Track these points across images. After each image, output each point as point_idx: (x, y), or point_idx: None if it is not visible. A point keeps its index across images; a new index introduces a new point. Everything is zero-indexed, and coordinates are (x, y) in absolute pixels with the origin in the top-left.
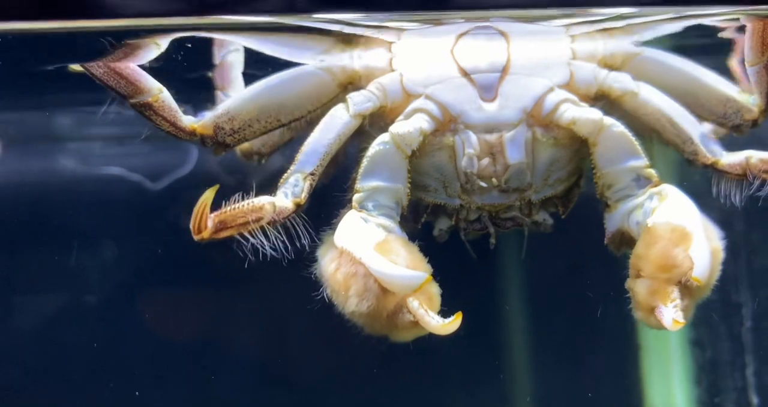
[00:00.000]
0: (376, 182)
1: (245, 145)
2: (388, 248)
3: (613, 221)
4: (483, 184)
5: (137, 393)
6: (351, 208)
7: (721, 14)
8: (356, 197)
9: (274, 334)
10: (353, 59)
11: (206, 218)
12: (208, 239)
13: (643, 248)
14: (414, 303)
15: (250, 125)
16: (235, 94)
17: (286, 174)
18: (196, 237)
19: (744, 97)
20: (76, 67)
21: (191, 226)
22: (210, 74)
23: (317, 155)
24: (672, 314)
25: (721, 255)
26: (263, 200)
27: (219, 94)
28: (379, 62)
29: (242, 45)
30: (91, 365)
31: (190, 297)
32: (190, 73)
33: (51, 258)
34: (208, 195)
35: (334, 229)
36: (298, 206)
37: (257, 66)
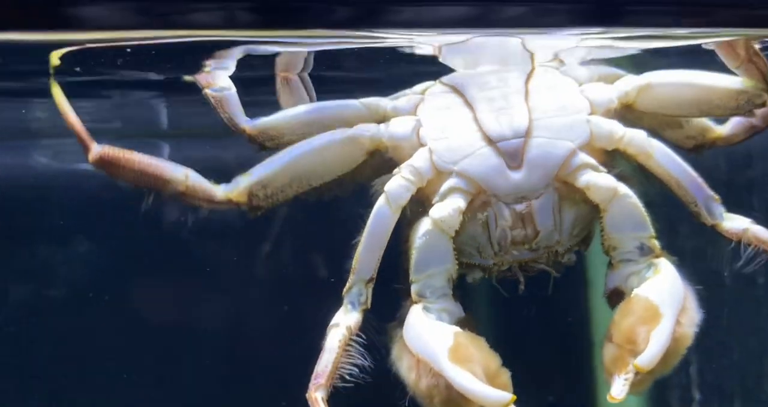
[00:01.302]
0: (429, 270)
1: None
2: (462, 355)
3: (613, 279)
4: (515, 252)
5: (110, 382)
6: (412, 302)
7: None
8: (414, 288)
9: (246, 324)
10: (380, 129)
11: (81, 132)
12: (95, 165)
13: (618, 317)
14: None
15: (282, 190)
16: (267, 162)
17: (348, 284)
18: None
19: (749, 84)
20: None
21: None
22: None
23: (373, 261)
24: (618, 388)
25: (687, 342)
26: (178, 173)
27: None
28: (405, 130)
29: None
30: (64, 357)
31: (164, 289)
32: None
33: (25, 252)
34: (57, 93)
35: (399, 321)
36: (364, 311)
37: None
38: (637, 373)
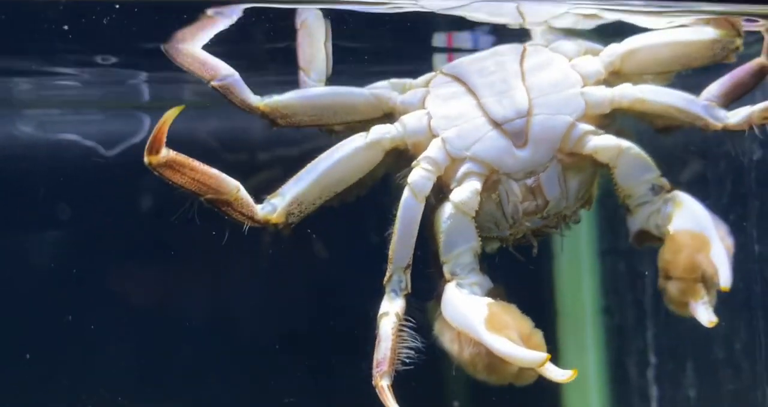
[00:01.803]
0: (457, 249)
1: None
2: (498, 323)
3: (634, 224)
4: (528, 223)
5: (89, 360)
6: (446, 281)
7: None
8: (445, 268)
9: (225, 301)
10: (398, 129)
11: (162, 139)
12: (156, 168)
13: (670, 255)
14: (547, 372)
15: (313, 203)
16: (297, 181)
17: (387, 273)
18: (146, 158)
19: (721, 33)
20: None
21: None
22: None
23: (408, 249)
24: (706, 315)
25: (732, 250)
26: (231, 184)
27: (302, 77)
28: (420, 125)
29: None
30: (43, 329)
31: (146, 261)
32: (274, 43)
33: (5, 222)
34: (170, 114)
35: (436, 299)
36: (407, 295)
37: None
38: (708, 291)
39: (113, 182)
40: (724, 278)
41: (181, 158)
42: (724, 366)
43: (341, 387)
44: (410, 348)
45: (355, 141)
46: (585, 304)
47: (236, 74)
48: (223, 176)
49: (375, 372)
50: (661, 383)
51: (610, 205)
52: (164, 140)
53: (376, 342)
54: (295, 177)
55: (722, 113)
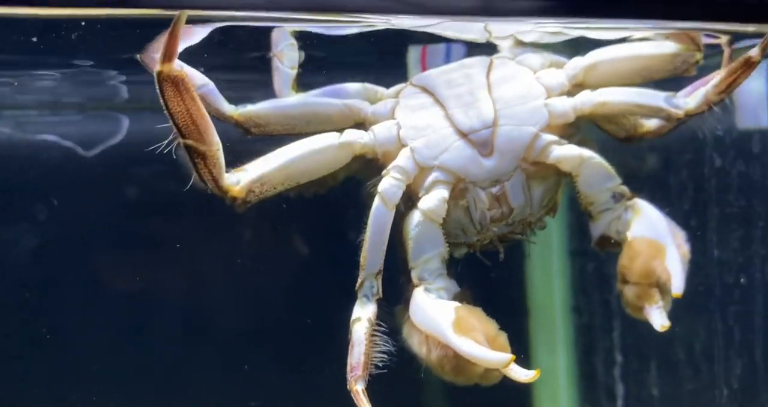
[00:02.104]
0: (425, 255)
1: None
2: (464, 326)
3: (596, 229)
4: (494, 229)
5: (70, 348)
6: (414, 285)
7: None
8: (414, 274)
9: (204, 297)
10: (370, 137)
11: (176, 45)
12: (163, 80)
13: (627, 261)
14: (511, 372)
15: (274, 187)
16: (265, 161)
17: (359, 279)
18: (158, 65)
19: (681, 47)
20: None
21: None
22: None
23: (379, 255)
24: (659, 319)
25: (688, 257)
26: (215, 138)
27: (277, 92)
28: (390, 135)
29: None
30: (22, 329)
31: (124, 260)
32: (250, 53)
33: None
34: (181, 17)
35: (404, 304)
36: (379, 301)
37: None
38: (662, 297)
39: (92, 182)
40: (677, 285)
41: (189, 81)
42: (684, 366)
43: (317, 386)
44: (383, 352)
45: (328, 138)
46: (555, 304)
47: (211, 84)
48: (212, 127)
49: (349, 376)
50: (626, 381)
51: (577, 207)
52: (178, 46)
53: (350, 347)
54: (264, 157)
55: (681, 100)
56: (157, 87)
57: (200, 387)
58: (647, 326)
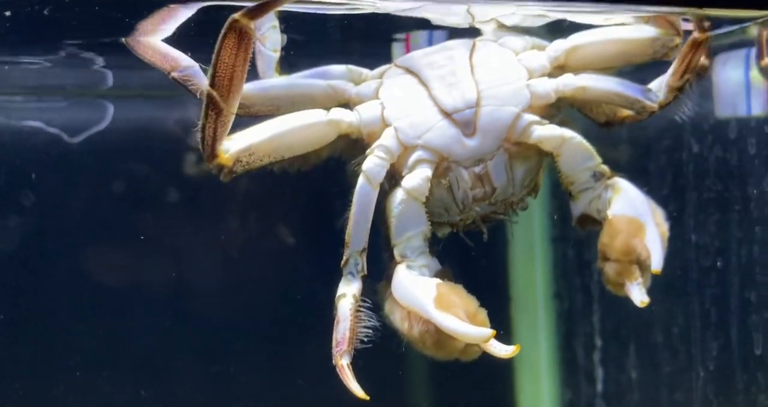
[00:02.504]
0: (408, 233)
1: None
2: (446, 302)
3: (577, 209)
4: (477, 208)
5: (55, 345)
6: (396, 263)
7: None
8: (396, 251)
9: (189, 279)
10: (356, 116)
11: (265, 11)
12: (236, 27)
13: (608, 239)
14: (492, 348)
15: (260, 159)
16: (255, 131)
17: (344, 257)
18: (237, 15)
19: (660, 32)
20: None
21: None
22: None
23: (363, 233)
24: (639, 295)
25: (667, 235)
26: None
27: (261, 75)
28: (374, 115)
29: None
30: (8, 316)
31: (110, 246)
32: None
33: None
34: None
35: (386, 280)
36: (364, 277)
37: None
38: (642, 273)
39: (77, 168)
40: (656, 262)
41: (253, 44)
42: (662, 349)
43: (301, 366)
44: (368, 328)
45: (317, 115)
46: (537, 290)
47: (196, 66)
48: (240, 95)
49: (335, 351)
50: (606, 365)
51: (561, 194)
52: (269, 11)
53: (335, 323)
54: (253, 128)
55: (654, 94)
56: (222, 33)
57: (184, 368)
58: (626, 310)
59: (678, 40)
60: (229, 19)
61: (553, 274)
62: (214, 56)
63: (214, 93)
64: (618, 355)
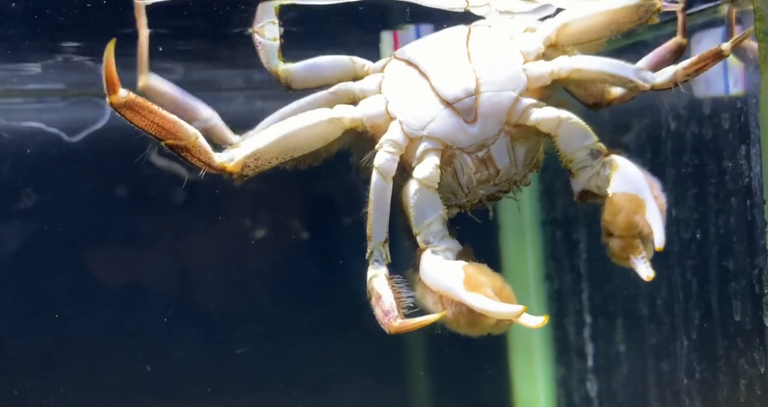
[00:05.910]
0: (427, 220)
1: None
2: (474, 283)
3: (577, 185)
4: (482, 190)
5: (57, 346)
6: (421, 250)
7: None
8: (419, 238)
9: (190, 274)
10: (359, 111)
11: (113, 77)
12: (118, 109)
13: (610, 217)
14: (523, 321)
15: (269, 161)
16: (260, 136)
17: (369, 250)
18: (107, 98)
19: None
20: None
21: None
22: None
23: (383, 225)
24: (645, 270)
25: (665, 207)
26: (190, 131)
27: (266, 66)
28: (378, 109)
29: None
30: (9, 316)
31: (111, 245)
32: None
33: None
34: (109, 48)
35: (414, 268)
36: (388, 265)
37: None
38: (646, 247)
39: (78, 167)
40: (659, 239)
41: (140, 100)
42: (648, 322)
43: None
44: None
45: (319, 114)
46: (528, 272)
47: (216, 117)
48: (182, 122)
49: (386, 321)
50: (595, 340)
51: (548, 179)
52: (116, 78)
53: (375, 300)
54: (258, 133)
55: (649, 74)
56: (121, 116)
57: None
58: (612, 287)
59: (659, 3)
60: (110, 105)
61: (543, 256)
62: (141, 130)
63: (170, 142)
64: (606, 330)
